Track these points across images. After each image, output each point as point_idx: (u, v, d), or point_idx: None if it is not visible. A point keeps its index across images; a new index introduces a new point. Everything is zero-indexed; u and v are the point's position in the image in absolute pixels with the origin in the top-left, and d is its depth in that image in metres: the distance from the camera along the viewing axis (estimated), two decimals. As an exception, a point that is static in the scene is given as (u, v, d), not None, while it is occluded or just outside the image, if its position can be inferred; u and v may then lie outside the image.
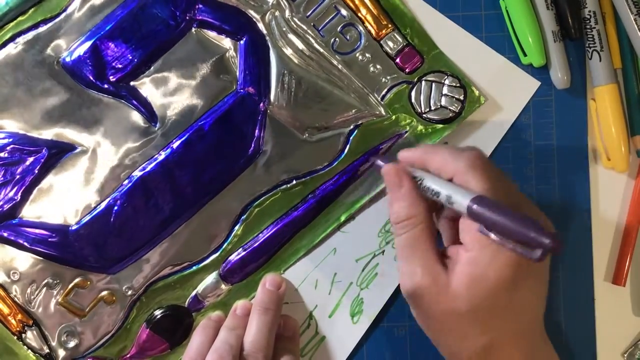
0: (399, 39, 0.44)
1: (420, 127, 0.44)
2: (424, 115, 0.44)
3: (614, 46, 0.45)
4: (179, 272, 0.44)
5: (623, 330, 0.45)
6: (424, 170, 0.38)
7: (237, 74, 0.44)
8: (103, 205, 0.43)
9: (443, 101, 0.44)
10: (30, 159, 0.43)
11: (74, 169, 0.43)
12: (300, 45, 0.44)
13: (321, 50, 0.44)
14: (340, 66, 0.44)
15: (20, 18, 0.43)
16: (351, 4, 0.44)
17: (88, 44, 0.43)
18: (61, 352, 0.44)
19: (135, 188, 0.43)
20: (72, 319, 0.44)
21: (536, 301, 0.37)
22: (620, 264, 0.45)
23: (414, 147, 0.40)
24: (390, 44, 0.44)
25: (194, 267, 0.44)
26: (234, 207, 0.44)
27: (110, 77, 0.43)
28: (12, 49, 0.43)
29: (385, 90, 0.44)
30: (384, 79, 0.44)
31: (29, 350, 0.43)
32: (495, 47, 0.45)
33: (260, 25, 0.44)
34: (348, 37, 0.44)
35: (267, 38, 0.44)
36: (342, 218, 0.44)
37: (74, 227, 0.43)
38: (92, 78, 0.43)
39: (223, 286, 0.44)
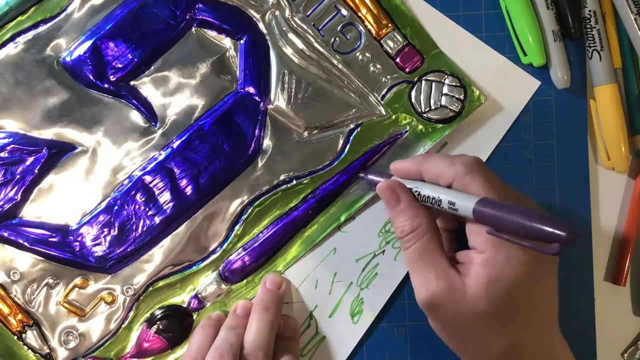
0: (399, 38, 0.44)
1: (420, 127, 0.44)
2: (424, 114, 0.44)
3: (614, 46, 0.45)
4: (179, 272, 0.44)
5: (623, 330, 0.45)
6: (419, 180, 0.38)
7: (237, 73, 0.44)
8: (103, 205, 0.43)
9: (443, 100, 0.44)
10: (31, 159, 0.43)
11: (74, 169, 0.43)
12: (300, 44, 0.44)
13: (321, 49, 0.44)
14: (340, 66, 0.44)
15: (20, 18, 0.43)
16: (351, 4, 0.44)
17: (88, 43, 0.43)
18: (61, 352, 0.44)
19: (135, 187, 0.43)
20: (73, 319, 0.44)
21: (551, 297, 0.38)
22: (620, 264, 0.45)
23: (405, 159, 0.40)
24: (391, 43, 0.44)
25: (194, 267, 0.44)
26: (234, 207, 0.44)
27: (111, 77, 0.43)
28: (12, 48, 0.43)
29: (386, 89, 0.44)
30: (384, 79, 0.44)
31: (29, 350, 0.43)
32: (495, 47, 0.45)
33: (261, 25, 0.44)
34: (348, 37, 0.44)
35: (267, 37, 0.44)
36: (342, 218, 0.44)
37: (74, 227, 0.43)
38: (92, 77, 0.43)
39: (223, 286, 0.44)
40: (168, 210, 0.44)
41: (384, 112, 0.44)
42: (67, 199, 0.43)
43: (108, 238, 0.43)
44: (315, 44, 0.44)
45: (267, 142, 0.44)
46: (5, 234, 0.43)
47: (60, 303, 0.44)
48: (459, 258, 0.37)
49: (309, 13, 0.44)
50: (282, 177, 0.44)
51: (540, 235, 0.32)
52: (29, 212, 0.43)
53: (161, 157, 0.44)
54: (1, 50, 0.43)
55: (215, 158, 0.44)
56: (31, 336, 0.43)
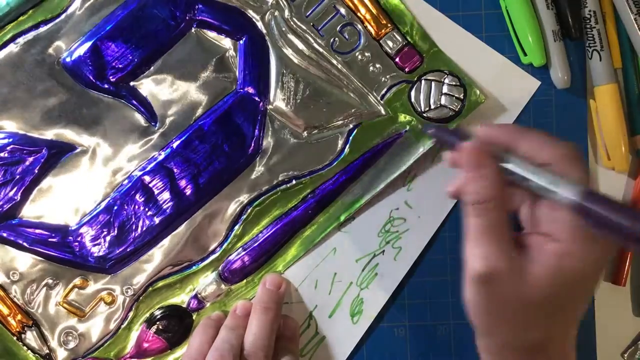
0: (399, 38, 0.44)
1: (420, 126, 0.44)
2: (424, 114, 0.44)
3: (614, 46, 0.45)
4: (179, 272, 0.44)
5: (623, 331, 0.45)
6: (508, 152, 0.36)
7: (237, 73, 0.44)
8: (103, 205, 0.43)
9: (443, 100, 0.44)
10: (30, 159, 0.43)
11: (74, 169, 0.43)
12: (299, 45, 0.44)
13: (321, 50, 0.44)
14: (339, 66, 0.44)
15: (20, 18, 0.43)
16: (350, 4, 0.44)
17: (88, 44, 0.43)
18: (61, 353, 0.44)
19: (134, 187, 0.43)
20: (72, 319, 0.44)
21: (589, 295, 0.36)
22: (620, 264, 0.45)
23: (493, 125, 0.38)
24: (390, 43, 0.44)
25: (194, 267, 0.44)
26: (234, 207, 0.44)
27: (110, 77, 0.43)
28: (13, 49, 0.43)
29: (385, 89, 0.44)
30: (383, 79, 0.44)
31: (29, 351, 0.43)
32: (495, 47, 0.45)
33: (260, 25, 0.44)
34: (347, 37, 0.44)
35: (267, 38, 0.44)
36: (342, 218, 0.44)
37: (73, 227, 0.43)
38: (92, 78, 0.43)
39: (223, 286, 0.44)
40: (167, 210, 0.44)
41: (383, 112, 0.44)
42: (66, 199, 0.43)
43: (107, 238, 0.43)
44: (315, 45, 0.44)
45: (266, 142, 0.44)
46: (5, 234, 0.43)
47: (59, 303, 0.44)
48: (529, 241, 0.35)
49: (308, 13, 0.44)
50: (281, 177, 0.44)
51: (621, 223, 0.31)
52: (28, 213, 0.43)
53: (161, 157, 0.44)
54: (2, 50, 0.43)
55: (215, 158, 0.44)
56: (31, 337, 0.43)
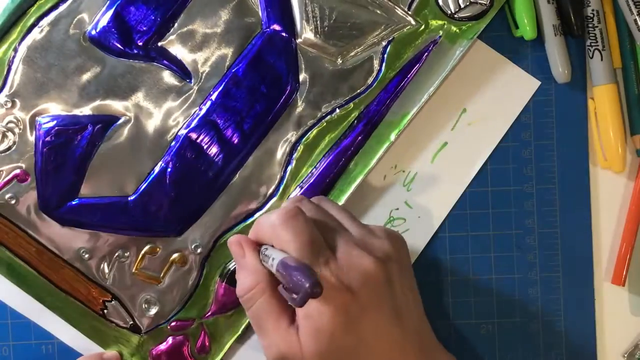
0: (415, -57, 0.43)
1: (453, 29, 0.43)
2: (455, 15, 0.43)
3: (614, 46, 0.44)
4: (242, 222, 0.44)
5: (623, 331, 0.45)
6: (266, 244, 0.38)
7: (260, 13, 0.44)
8: (156, 169, 0.44)
9: (472, -4, 0.43)
10: (78, 138, 0.43)
11: (121, 140, 0.44)
12: (316, -28, 0.43)
13: (339, -28, 0.43)
14: (360, -16, 0.43)
15: (39, 1, 0.43)
16: None
17: (110, 13, 0.43)
18: (145, 321, 0.44)
19: (183, 146, 0.44)
20: (149, 287, 0.44)
21: (388, 328, 0.36)
22: (620, 264, 0.45)
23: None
24: (407, -50, 0.43)
25: (256, 215, 0.44)
26: (283, 147, 0.44)
27: (138, 42, 0.43)
28: (38, 33, 0.43)
29: (411, -1, 0.43)
30: (407, -12, 0.43)
31: (114, 325, 0.44)
32: (495, 47, 0.45)
33: (274, -41, 0.43)
34: (363, -47, 0.43)
35: (283, -29, 0.43)
36: (392, 137, 0.44)
37: (132, 197, 0.44)
38: (120, 46, 0.43)
39: (288, 228, 0.44)
40: (219, 163, 0.44)
41: (413, 23, 0.44)
42: (120, 170, 0.44)
43: (167, 200, 0.44)
44: (332, -32, 0.43)
45: (302, 77, 0.44)
46: (68, 217, 0.44)
47: (134, 273, 0.44)
48: (296, 311, 0.37)
49: (319, -61, 0.43)
50: (324, 109, 0.44)
51: (295, 286, 0.32)
52: (86, 191, 0.44)
53: (202, 112, 0.44)
54: (28, 36, 0.43)
55: (255, 102, 0.43)
56: (113, 311, 0.44)
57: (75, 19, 0.43)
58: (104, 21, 0.43)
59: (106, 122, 0.44)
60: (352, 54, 0.44)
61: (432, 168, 0.45)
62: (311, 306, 0.35)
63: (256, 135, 0.44)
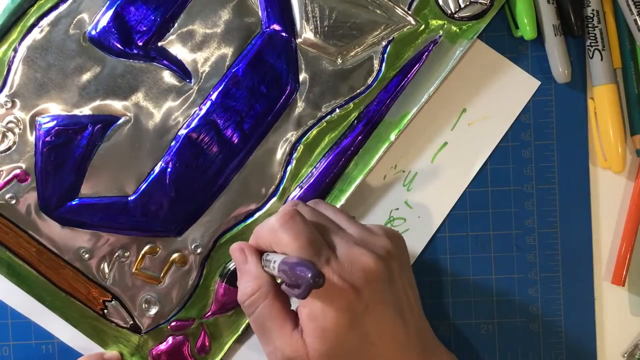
0: (415, -57, 0.43)
1: (453, 28, 0.43)
2: (456, 15, 0.43)
3: (614, 46, 0.44)
4: (242, 222, 0.44)
5: (623, 330, 0.45)
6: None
7: (260, 13, 0.44)
8: (156, 169, 0.44)
9: (472, -5, 0.43)
10: (77, 138, 0.43)
11: (121, 140, 0.44)
12: (316, -28, 0.43)
13: (338, -28, 0.43)
14: (360, -16, 0.43)
15: (40, 1, 0.43)
16: None
17: (109, 13, 0.43)
18: (145, 321, 0.44)
19: (183, 146, 0.44)
20: (149, 287, 0.44)
21: (391, 326, 0.36)
22: (620, 264, 0.45)
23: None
24: (407, -50, 0.43)
25: (256, 215, 0.44)
26: (283, 147, 0.44)
27: (138, 42, 0.43)
28: (38, 33, 0.43)
29: (410, -1, 0.43)
30: (407, -12, 0.43)
31: (114, 325, 0.44)
32: (495, 47, 0.45)
33: (274, -41, 0.43)
34: (363, -47, 0.43)
35: (283, -29, 0.43)
36: (392, 137, 0.44)
37: (132, 197, 0.44)
38: (120, 46, 0.43)
39: (288, 228, 0.44)
40: (219, 163, 0.44)
41: (413, 22, 0.44)
42: (120, 170, 0.44)
43: (167, 201, 0.44)
44: (332, -32, 0.43)
45: (302, 77, 0.44)
46: (68, 217, 0.44)
47: (134, 274, 0.44)
48: (298, 313, 0.37)
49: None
50: (324, 108, 0.44)
51: (298, 281, 0.32)
52: (86, 190, 0.44)
53: (202, 112, 0.44)
54: (28, 36, 0.43)
55: (255, 102, 0.43)
56: (113, 311, 0.44)
57: (75, 19, 0.43)
58: (104, 21, 0.43)
59: (106, 122, 0.44)
60: (352, 54, 0.44)
61: (432, 168, 0.45)
62: (315, 306, 0.35)
63: (256, 135, 0.44)
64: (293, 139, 0.44)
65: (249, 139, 0.44)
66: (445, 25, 0.43)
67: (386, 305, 0.36)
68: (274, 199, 0.44)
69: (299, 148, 0.44)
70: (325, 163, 0.44)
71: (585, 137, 0.45)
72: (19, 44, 0.43)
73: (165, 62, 0.44)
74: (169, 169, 0.44)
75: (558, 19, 0.44)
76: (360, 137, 0.44)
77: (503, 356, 0.45)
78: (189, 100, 0.44)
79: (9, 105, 0.43)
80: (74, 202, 0.44)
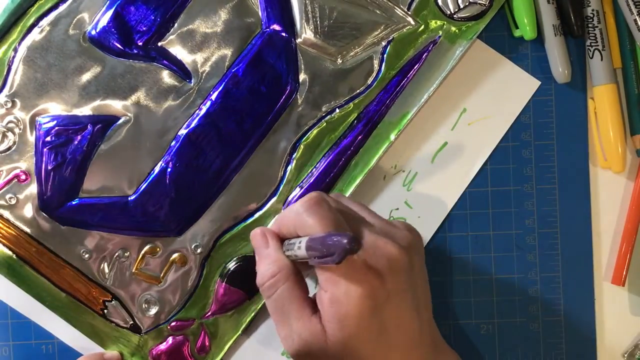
0: (415, -57, 0.43)
1: (453, 29, 0.43)
2: (455, 15, 0.43)
3: (614, 46, 0.45)
4: (242, 222, 0.44)
5: (623, 330, 0.46)
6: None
7: (260, 13, 0.44)
8: (156, 169, 0.44)
9: (471, -4, 0.43)
10: (78, 138, 0.43)
11: (121, 140, 0.44)
12: (316, -28, 0.43)
13: (338, -28, 0.43)
14: (360, -16, 0.43)
15: (39, 1, 0.43)
16: None
17: (109, 13, 0.43)
18: (145, 321, 0.44)
19: (183, 146, 0.44)
20: (149, 287, 0.44)
21: (408, 318, 0.37)
22: (620, 264, 0.45)
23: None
24: (407, -50, 0.43)
25: (256, 215, 0.44)
26: (283, 147, 0.44)
27: (138, 42, 0.43)
28: (37, 33, 0.43)
29: (410, -1, 0.43)
30: (407, -12, 0.43)
31: (114, 325, 0.44)
32: (495, 47, 0.45)
33: (274, -41, 0.44)
34: (363, -47, 0.43)
35: (283, -29, 0.43)
36: (392, 137, 0.44)
37: (132, 197, 0.44)
38: (120, 46, 0.43)
39: (288, 228, 0.44)
40: (219, 163, 0.44)
41: (412, 23, 0.44)
42: (120, 170, 0.44)
43: (167, 201, 0.44)
44: (332, -31, 0.43)
45: (302, 77, 0.44)
46: (68, 216, 0.44)
47: (134, 274, 0.44)
48: (317, 298, 0.37)
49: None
50: (324, 108, 0.44)
51: (332, 249, 0.32)
52: (86, 190, 0.44)
53: (202, 112, 0.44)
54: (28, 36, 0.43)
55: (255, 102, 0.44)
56: (113, 311, 0.44)
57: (75, 19, 0.43)
58: (104, 21, 0.43)
59: (106, 122, 0.44)
60: (352, 54, 0.44)
61: (432, 168, 0.45)
62: (339, 291, 0.35)
63: (256, 135, 0.44)
64: (293, 139, 0.44)
65: (249, 138, 0.44)
66: (445, 26, 0.43)
67: (406, 296, 0.36)
68: (274, 199, 0.44)
69: (299, 148, 0.44)
70: (325, 163, 0.44)
71: (585, 137, 0.45)
72: (19, 44, 0.43)
73: (165, 62, 0.44)
74: (169, 169, 0.44)
75: (558, 19, 0.44)
76: (360, 137, 0.44)
77: (503, 356, 0.46)
78: (189, 100, 0.44)
79: (9, 105, 0.43)
80: (74, 202, 0.44)
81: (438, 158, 0.45)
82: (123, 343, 0.44)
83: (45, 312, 0.44)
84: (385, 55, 0.44)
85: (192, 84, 0.44)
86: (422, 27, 0.44)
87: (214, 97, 0.44)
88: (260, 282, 0.38)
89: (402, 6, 0.44)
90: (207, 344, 0.44)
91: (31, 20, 0.43)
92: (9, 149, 0.43)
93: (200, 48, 0.44)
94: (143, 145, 0.44)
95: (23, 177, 0.43)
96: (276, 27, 0.44)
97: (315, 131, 0.44)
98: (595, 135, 0.45)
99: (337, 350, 0.36)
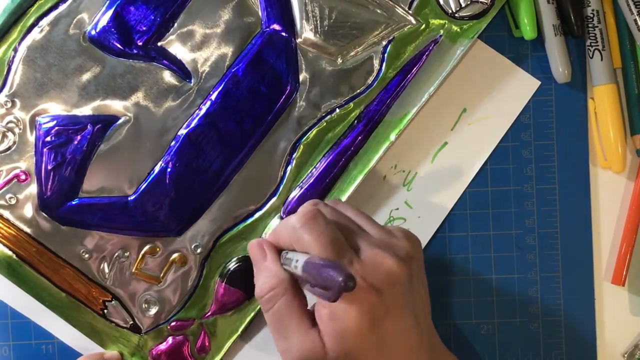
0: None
1: (454, 28, 0.43)
2: (456, 14, 0.43)
3: (614, 46, 0.44)
4: (242, 222, 0.44)
5: (623, 330, 0.46)
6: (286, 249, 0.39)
7: (260, 13, 0.44)
8: (156, 169, 0.44)
9: (473, -5, 0.43)
10: (78, 138, 0.43)
11: (120, 140, 0.44)
12: (316, -28, 0.43)
13: (338, -28, 0.43)
14: (360, -16, 0.43)
15: (39, 1, 0.43)
16: None
17: (109, 12, 0.43)
18: (145, 321, 0.44)
19: (183, 146, 0.44)
20: (149, 287, 0.44)
21: (407, 331, 0.37)
22: (620, 264, 0.45)
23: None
24: (407, -50, 0.43)
25: (256, 215, 0.44)
26: (283, 147, 0.44)
27: (138, 42, 0.43)
28: (37, 33, 0.43)
29: (411, -2, 0.43)
30: (407, -13, 0.43)
31: (113, 325, 0.44)
32: (495, 47, 0.45)
33: (274, -41, 0.43)
34: (363, -47, 0.43)
35: (283, -30, 0.43)
36: (392, 137, 0.44)
37: (132, 197, 0.44)
38: (119, 46, 0.43)
39: (288, 228, 0.44)
40: (219, 163, 0.44)
41: (414, 22, 0.44)
42: (120, 170, 0.44)
43: (167, 200, 0.44)
44: (332, -32, 0.43)
45: (302, 77, 0.44)
46: (68, 216, 0.44)
47: (134, 274, 0.44)
48: (315, 311, 0.37)
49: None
50: (324, 108, 0.44)
51: (328, 284, 0.32)
52: (86, 190, 0.44)
53: (202, 112, 0.44)
54: (27, 36, 0.43)
55: (255, 102, 0.43)
56: (113, 311, 0.44)
57: (75, 19, 0.43)
58: (103, 21, 0.43)
59: (106, 122, 0.43)
60: (352, 53, 0.44)
61: (432, 168, 0.45)
62: (337, 307, 0.35)
63: (256, 135, 0.44)
64: (293, 139, 0.44)
65: (249, 138, 0.44)
66: (446, 25, 0.43)
67: (405, 308, 0.36)
68: (274, 199, 0.44)
69: (299, 148, 0.44)
70: (326, 163, 0.44)
71: (585, 137, 0.45)
72: (19, 43, 0.43)
73: (165, 62, 0.44)
74: (168, 169, 0.44)
75: (558, 19, 0.44)
76: (360, 137, 0.44)
77: (503, 356, 0.46)
78: (189, 100, 0.44)
79: (9, 105, 0.43)
80: (74, 202, 0.43)
81: (438, 158, 0.45)
82: (123, 343, 0.44)
83: (45, 312, 0.44)
84: (385, 55, 0.44)
85: (192, 84, 0.44)
86: (423, 26, 0.43)
87: (213, 97, 0.43)
88: (258, 295, 0.38)
89: (402, 5, 0.43)
90: (207, 344, 0.44)
91: (31, 20, 0.43)
92: (8, 149, 0.43)
93: (200, 48, 0.44)
94: (143, 145, 0.44)
95: (23, 177, 0.43)
96: (276, 26, 0.43)
97: (315, 131, 0.44)
98: (595, 135, 0.45)
99: None
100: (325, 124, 0.44)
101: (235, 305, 0.44)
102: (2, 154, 0.43)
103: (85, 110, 0.43)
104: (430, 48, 0.43)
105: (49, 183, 0.43)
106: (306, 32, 0.43)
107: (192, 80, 0.44)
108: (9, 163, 0.43)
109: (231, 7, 0.43)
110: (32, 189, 0.43)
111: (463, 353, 0.46)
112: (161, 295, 0.44)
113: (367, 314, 0.35)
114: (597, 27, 0.43)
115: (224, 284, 0.44)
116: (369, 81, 0.44)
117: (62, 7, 0.43)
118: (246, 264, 0.44)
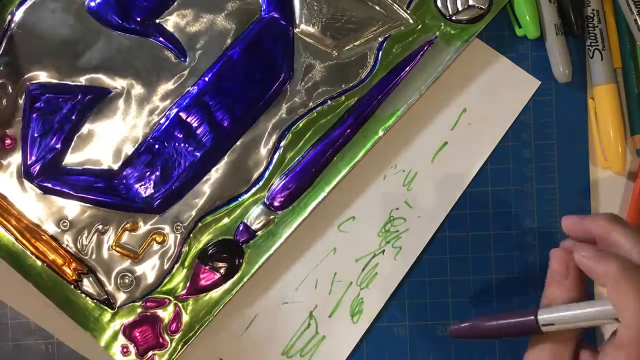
0: (418, -57, 0.44)
1: (450, 30, 0.44)
2: (453, 17, 0.43)
3: (614, 46, 0.45)
4: (225, 205, 0.44)
5: None
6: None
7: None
8: (144, 146, 0.44)
9: (471, 0, 0.43)
10: (67, 107, 0.43)
11: (110, 113, 0.44)
12: (319, -36, 0.44)
13: (341, -35, 0.44)
14: (362, -21, 0.44)
15: (40, -32, 0.43)
16: None
17: (110, -15, 0.43)
18: (120, 296, 0.44)
19: (172, 125, 0.44)
20: (127, 262, 0.44)
21: None
22: None
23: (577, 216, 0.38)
24: (410, -50, 0.44)
25: (240, 199, 0.44)
26: (272, 134, 0.44)
27: (136, 17, 0.43)
28: (36, 1, 0.43)
29: (410, -3, 0.44)
30: (407, -13, 0.44)
31: (87, 298, 0.44)
32: (495, 47, 0.45)
33: (278, -53, 0.44)
34: (367, -51, 0.44)
35: (286, -41, 0.44)
36: (380, 132, 0.44)
37: (117, 171, 0.44)
38: (118, 19, 0.43)
39: (270, 215, 0.44)
40: (207, 144, 0.44)
41: (411, 21, 0.44)
42: (107, 143, 0.44)
43: (152, 178, 0.44)
44: (334, -39, 0.44)
45: (297, 66, 0.44)
46: (50, 185, 0.43)
47: (112, 248, 0.44)
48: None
49: None
50: (316, 99, 0.44)
51: None
52: (71, 160, 0.43)
53: (194, 92, 0.44)
54: (25, 2, 0.43)
55: (248, 86, 0.44)
56: (87, 283, 0.44)
57: (75, -11, 0.43)
58: (103, -7, 0.43)
59: (97, 93, 0.43)
60: (348, 47, 0.44)
61: (432, 168, 0.45)
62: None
63: (246, 120, 0.44)
64: (283, 126, 0.44)
65: (239, 123, 0.44)
66: (442, 27, 0.44)
67: None
68: (260, 184, 0.44)
69: (287, 136, 0.44)
70: (313, 153, 0.44)
71: (585, 137, 0.45)
72: (17, 8, 0.43)
73: (161, 39, 0.44)
74: (156, 146, 0.44)
75: (559, 19, 0.44)
76: (349, 131, 0.44)
77: (503, 356, 0.46)
78: (182, 79, 0.44)
79: (1, 68, 0.43)
80: (57, 172, 0.43)
81: (438, 158, 0.45)
82: (95, 316, 0.44)
83: (46, 312, 0.44)
84: (380, 52, 0.44)
85: (186, 63, 0.44)
86: (420, 26, 0.44)
87: (207, 78, 0.44)
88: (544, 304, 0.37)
89: (401, 4, 0.44)
90: (179, 324, 0.44)
91: (30, -14, 0.43)
92: (-4, 112, 0.43)
93: (198, 28, 0.44)
94: (132, 120, 0.44)
95: (8, 141, 0.43)
96: (275, 14, 0.44)
97: (305, 120, 0.44)
98: (595, 135, 0.45)
99: None
100: (315, 114, 0.44)
101: (210, 288, 0.44)
102: (-11, 118, 0.43)
103: (78, 80, 0.43)
104: (425, 48, 0.44)
105: (34, 150, 0.43)
106: (304, 23, 0.44)
107: (187, 60, 0.44)
108: (-4, 127, 0.43)
109: (232, -10, 0.44)
110: (17, 155, 0.43)
111: (463, 353, 0.46)
112: (138, 272, 0.44)
113: None
114: (597, 27, 0.44)
115: (201, 265, 0.44)
116: (362, 76, 0.44)
117: (63, -24, 0.43)
118: (225, 247, 0.44)
